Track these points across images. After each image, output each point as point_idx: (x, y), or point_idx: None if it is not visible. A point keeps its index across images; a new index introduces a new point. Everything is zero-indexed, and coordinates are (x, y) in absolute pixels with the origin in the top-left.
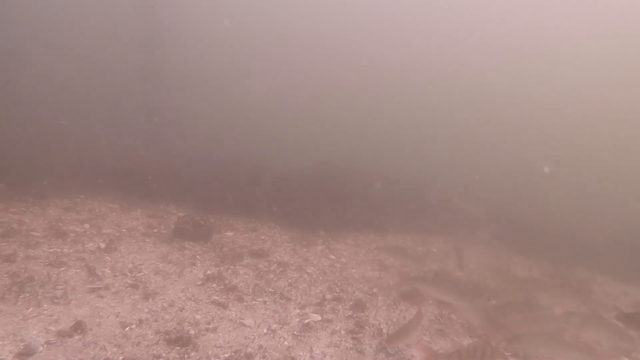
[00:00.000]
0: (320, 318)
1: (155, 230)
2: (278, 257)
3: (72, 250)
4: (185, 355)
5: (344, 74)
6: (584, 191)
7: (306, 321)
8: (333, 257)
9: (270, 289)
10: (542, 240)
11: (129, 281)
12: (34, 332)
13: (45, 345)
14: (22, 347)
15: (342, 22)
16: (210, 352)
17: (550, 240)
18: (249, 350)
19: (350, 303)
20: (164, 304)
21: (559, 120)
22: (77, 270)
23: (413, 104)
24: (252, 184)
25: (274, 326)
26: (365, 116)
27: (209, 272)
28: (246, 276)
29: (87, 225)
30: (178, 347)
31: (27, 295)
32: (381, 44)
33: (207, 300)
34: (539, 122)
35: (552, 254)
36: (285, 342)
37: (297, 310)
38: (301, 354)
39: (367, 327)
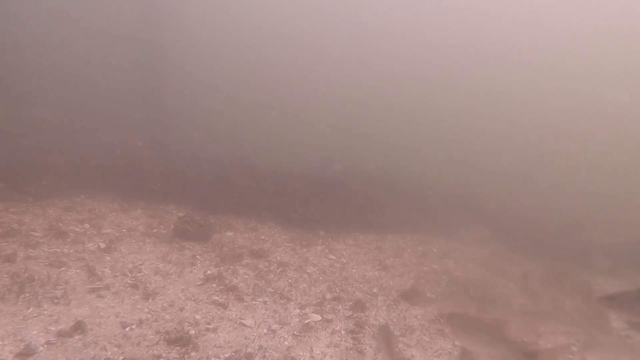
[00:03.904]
0: (320, 318)
1: (155, 230)
2: (278, 257)
3: (72, 250)
4: (186, 355)
5: (344, 73)
6: (584, 190)
7: (306, 321)
8: (333, 257)
9: (270, 289)
10: (542, 240)
11: (129, 281)
12: (34, 332)
13: (45, 345)
14: (22, 347)
15: (342, 21)
16: (210, 352)
17: (551, 240)
18: (249, 350)
19: (350, 303)
20: (164, 304)
21: (560, 119)
22: (77, 270)
23: (413, 104)
24: (252, 184)
25: (274, 326)
26: (365, 116)
27: (209, 272)
28: (246, 276)
29: (87, 225)
30: (178, 347)
31: (27, 295)
32: (382, 43)
33: (207, 300)
34: (540, 122)
35: (553, 254)
36: (286, 342)
37: (297, 311)
38: (301, 354)
39: (367, 327)
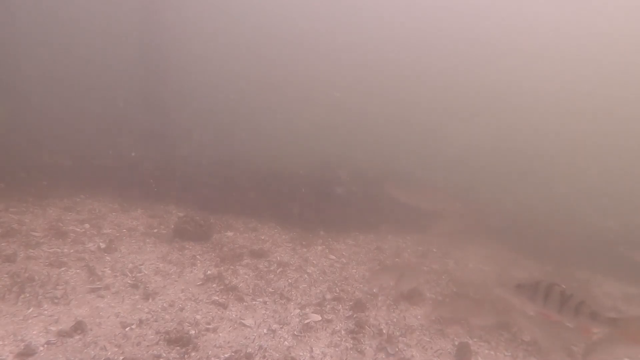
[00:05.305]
0: (320, 318)
1: (155, 230)
2: (278, 257)
3: (72, 250)
4: (186, 355)
5: (344, 73)
6: (584, 190)
7: (306, 321)
8: (333, 257)
9: (270, 289)
10: (542, 240)
11: (129, 281)
12: (34, 332)
13: (45, 345)
14: (22, 347)
15: (341, 21)
16: (210, 352)
17: (551, 240)
18: (249, 350)
19: (350, 303)
20: (164, 304)
21: (560, 119)
22: (77, 270)
23: (413, 104)
24: (252, 184)
25: (274, 326)
26: (365, 116)
27: (209, 272)
28: (246, 276)
29: (87, 225)
30: (178, 347)
31: (28, 295)
32: (382, 42)
33: (207, 301)
34: (539, 121)
35: (552, 254)
36: (286, 342)
37: (297, 311)
38: (301, 354)
39: (367, 327)
